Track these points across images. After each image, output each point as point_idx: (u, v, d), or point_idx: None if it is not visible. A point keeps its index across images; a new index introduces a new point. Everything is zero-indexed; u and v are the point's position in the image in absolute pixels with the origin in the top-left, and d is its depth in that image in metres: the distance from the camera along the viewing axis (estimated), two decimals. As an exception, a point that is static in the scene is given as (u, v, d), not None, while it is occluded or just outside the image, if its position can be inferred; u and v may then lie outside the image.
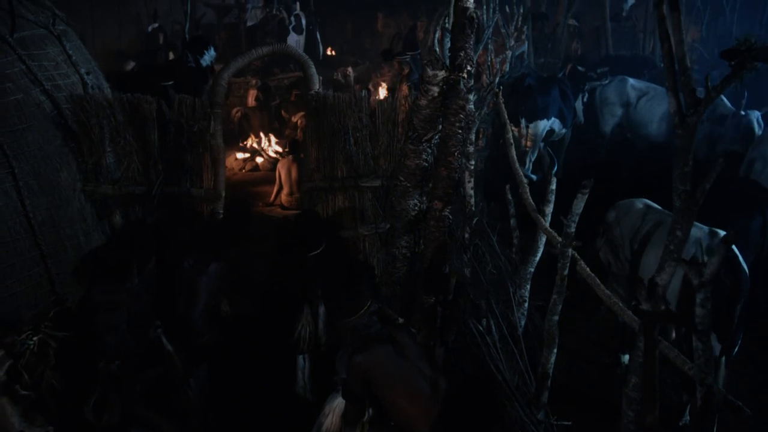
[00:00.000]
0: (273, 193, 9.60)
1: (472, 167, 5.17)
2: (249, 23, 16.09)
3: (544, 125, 9.21)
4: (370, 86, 14.98)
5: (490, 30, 8.19)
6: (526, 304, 4.69)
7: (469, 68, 5.12)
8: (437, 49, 5.94)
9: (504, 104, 9.40)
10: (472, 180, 5.17)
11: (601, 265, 6.16)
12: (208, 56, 8.50)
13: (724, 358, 5.06)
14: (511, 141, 4.81)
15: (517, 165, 4.68)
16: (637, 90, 10.37)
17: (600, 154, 10.65)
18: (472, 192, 5.17)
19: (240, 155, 11.32)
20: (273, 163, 10.92)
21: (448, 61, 5.39)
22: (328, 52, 18.45)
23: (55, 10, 6.87)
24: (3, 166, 5.44)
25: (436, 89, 5.23)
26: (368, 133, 6.05)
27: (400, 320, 5.75)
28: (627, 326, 6.04)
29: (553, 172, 7.56)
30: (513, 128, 9.30)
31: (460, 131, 5.15)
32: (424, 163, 5.53)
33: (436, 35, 5.90)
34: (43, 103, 5.89)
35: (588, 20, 16.84)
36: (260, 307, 5.96)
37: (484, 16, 8.35)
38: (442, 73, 5.18)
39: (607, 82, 10.63)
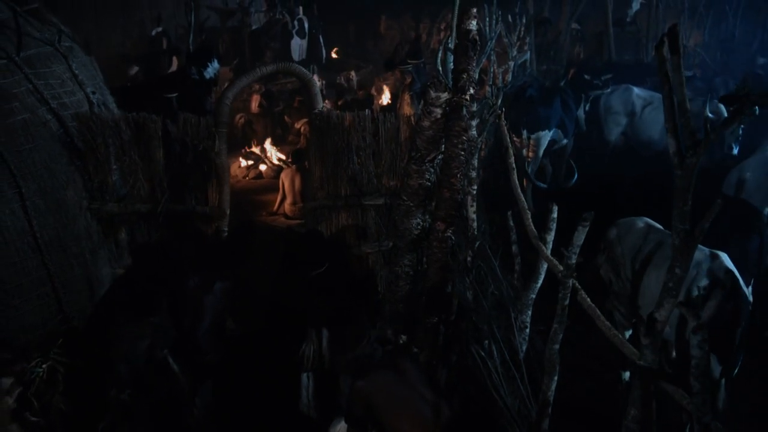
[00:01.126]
0: (276, 202, 9.70)
1: (475, 191, 5.21)
2: (252, 27, 16.14)
3: (546, 136, 9.24)
4: (373, 90, 15.04)
5: (493, 42, 8.22)
6: (528, 330, 4.75)
7: (471, 91, 5.16)
8: (440, 69, 5.96)
9: (505, 114, 9.45)
10: (475, 204, 5.22)
11: (602, 282, 6.20)
12: (212, 68, 8.56)
13: (723, 380, 5.10)
14: (513, 166, 4.85)
15: (519, 191, 4.73)
16: (641, 99, 10.34)
17: (603, 162, 10.66)
18: (474, 216, 5.22)
19: (243, 162, 11.39)
20: (276, 170, 11.01)
21: (450, 82, 5.44)
22: (333, 55, 18.52)
23: (60, 27, 6.92)
24: (11, 186, 5.50)
25: (438, 111, 5.27)
26: (372, 151, 6.11)
27: (403, 338, 5.84)
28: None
29: (572, 181, 7.54)
30: (515, 139, 9.37)
31: (462, 153, 5.19)
32: (427, 183, 5.57)
33: (439, 55, 5.92)
34: (50, 121, 5.94)
35: (591, 25, 16.82)
36: (265, 325, 6.01)
37: (487, 28, 8.37)
38: (445, 95, 5.22)
39: (609, 90, 10.63)
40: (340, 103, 12.66)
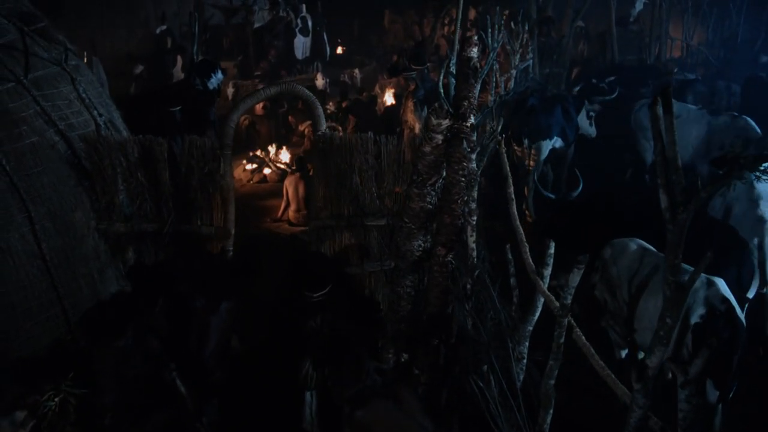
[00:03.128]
0: (281, 209, 9.80)
1: (474, 222, 5.32)
2: (256, 25, 16.19)
3: (547, 145, 9.29)
4: (377, 88, 15.10)
5: (494, 53, 8.24)
6: (525, 360, 4.87)
7: (472, 120, 5.25)
8: (442, 92, 6.01)
9: (507, 123, 9.52)
10: (475, 233, 5.32)
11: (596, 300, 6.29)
12: (215, 79, 8.63)
13: (720, 405, 5.20)
14: (512, 197, 4.95)
15: (518, 222, 4.83)
16: None
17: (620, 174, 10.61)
18: (474, 245, 5.33)
19: (248, 166, 11.48)
20: (281, 174, 11.09)
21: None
22: (339, 51, 18.59)
23: (67, 44, 6.98)
24: (20, 210, 5.62)
25: (440, 137, 5.36)
26: (374, 173, 6.21)
27: (405, 356, 5.97)
28: (627, 361, 6.23)
29: (576, 193, 7.61)
30: (516, 148, 9.45)
31: (462, 179, 5.28)
32: (429, 206, 5.67)
33: (441, 79, 5.97)
34: (57, 143, 6.04)
35: (594, 23, 16.79)
36: (268, 344, 6.14)
37: (489, 39, 8.39)
38: (446, 122, 5.31)
39: (615, 95, 10.52)
40: (344, 105, 12.72)
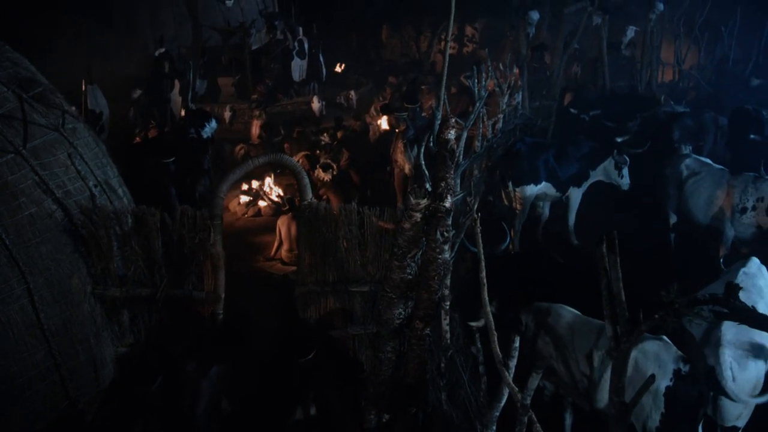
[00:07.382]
0: (273, 247, 10.07)
1: (447, 306, 5.60)
2: (254, 46, 16.44)
3: (531, 190, 9.56)
4: (372, 111, 15.35)
5: (481, 103, 8.52)
6: (493, 443, 5.16)
7: (449, 202, 5.52)
8: (423, 163, 6.28)
9: (494, 165, 9.80)
10: (448, 317, 5.61)
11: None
12: (209, 128, 8.91)
13: None
14: (484, 281, 5.22)
15: (488, 308, 5.10)
16: (689, 169, 9.65)
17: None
18: (447, 327, 5.62)
19: (243, 198, 11.74)
20: (275, 208, 11.36)
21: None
22: (338, 69, 18.86)
23: (64, 107, 7.19)
24: (19, 282, 5.84)
25: (418, 215, 5.64)
26: (357, 242, 6.50)
27: (386, 416, 6.27)
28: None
29: (503, 246, 7.84)
30: (503, 192, 9.74)
31: (440, 257, 5.57)
32: (408, 277, 5.96)
33: (422, 150, 6.24)
34: (55, 212, 6.24)
35: (586, 49, 17.00)
36: (257, 405, 6.43)
37: (475, 89, 8.65)
38: (424, 202, 5.59)
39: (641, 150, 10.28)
40: (339, 135, 12.99)
